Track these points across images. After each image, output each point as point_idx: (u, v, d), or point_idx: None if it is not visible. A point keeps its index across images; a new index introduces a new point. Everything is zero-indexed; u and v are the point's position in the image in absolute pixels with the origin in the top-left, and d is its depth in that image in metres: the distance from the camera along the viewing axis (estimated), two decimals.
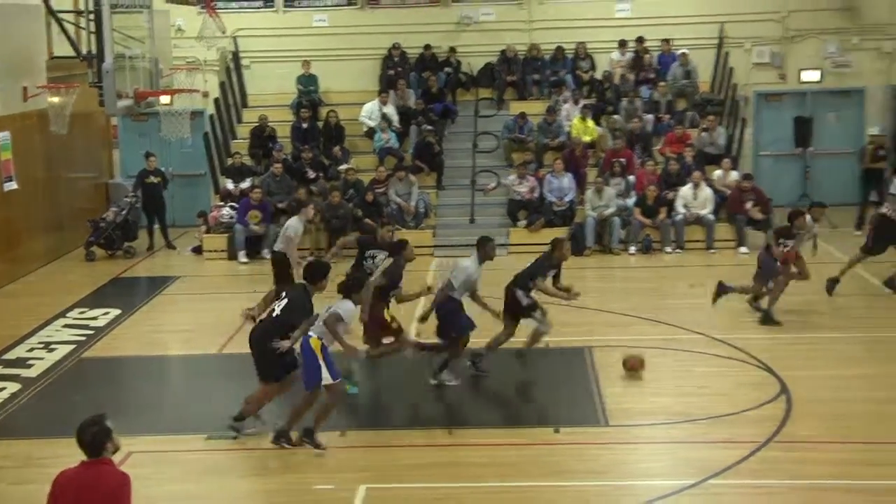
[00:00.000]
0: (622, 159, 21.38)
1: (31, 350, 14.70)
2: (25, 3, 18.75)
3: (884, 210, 16.85)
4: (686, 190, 20.64)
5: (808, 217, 15.06)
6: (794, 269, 15.01)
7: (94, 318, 16.30)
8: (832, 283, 16.11)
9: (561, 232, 17.99)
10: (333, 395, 10.55)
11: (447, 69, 24.16)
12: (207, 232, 21.19)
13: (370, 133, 22.92)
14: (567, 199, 20.84)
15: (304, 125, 22.95)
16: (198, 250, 21.15)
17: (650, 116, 23.00)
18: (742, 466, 10.01)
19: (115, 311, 16.64)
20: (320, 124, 23.14)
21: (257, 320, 11.70)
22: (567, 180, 21.00)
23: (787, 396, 11.81)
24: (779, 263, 14.81)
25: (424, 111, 23.15)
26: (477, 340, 12.88)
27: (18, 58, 18.64)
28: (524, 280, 12.79)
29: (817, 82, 24.13)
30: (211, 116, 23.10)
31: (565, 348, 13.77)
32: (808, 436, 10.74)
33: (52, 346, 14.82)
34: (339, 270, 12.40)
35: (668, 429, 11.20)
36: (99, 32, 15.88)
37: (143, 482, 6.39)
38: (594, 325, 14.94)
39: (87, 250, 20.88)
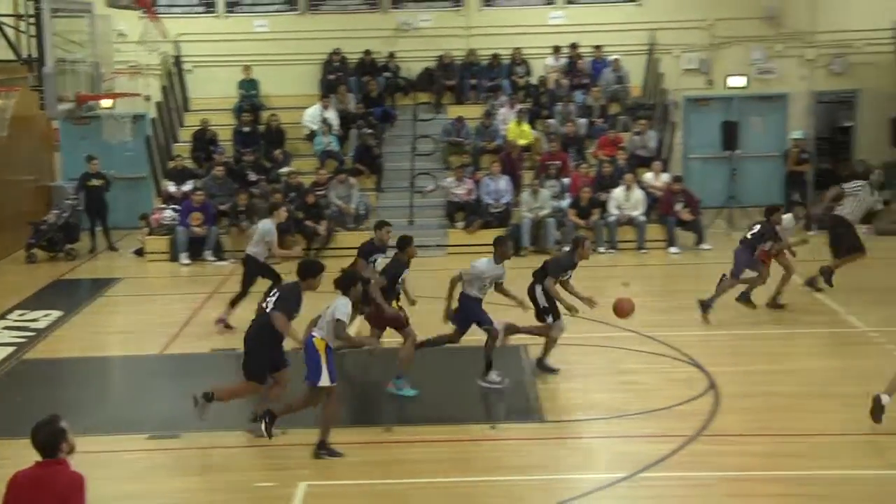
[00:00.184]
0: (557, 162, 21.78)
1: None
2: None
3: (839, 211, 16.47)
4: (618, 192, 21.08)
5: (790, 215, 15.62)
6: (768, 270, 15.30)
7: (35, 320, 16.23)
8: (828, 274, 16.25)
9: (499, 232, 18.22)
10: (330, 398, 10.42)
11: (386, 74, 24.34)
12: (149, 234, 21.22)
13: (311, 136, 23.08)
14: (503, 200, 21.18)
15: (246, 129, 23.09)
16: (140, 252, 21.18)
17: (584, 120, 23.34)
18: (672, 459, 10.22)
19: (57, 313, 16.59)
20: (262, 128, 23.27)
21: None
22: (504, 182, 21.33)
23: (715, 392, 12.12)
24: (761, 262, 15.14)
25: (364, 115, 23.33)
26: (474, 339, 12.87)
27: None
28: (541, 275, 12.74)
29: (743, 88, 24.57)
30: (153, 120, 23.15)
31: (500, 347, 13.74)
32: (734, 429, 11.00)
33: None
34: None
35: (601, 424, 11.46)
36: (40, 36, 15.73)
37: (87, 483, 6.54)
38: (529, 322, 15.05)
39: (28, 252, 20.87)
